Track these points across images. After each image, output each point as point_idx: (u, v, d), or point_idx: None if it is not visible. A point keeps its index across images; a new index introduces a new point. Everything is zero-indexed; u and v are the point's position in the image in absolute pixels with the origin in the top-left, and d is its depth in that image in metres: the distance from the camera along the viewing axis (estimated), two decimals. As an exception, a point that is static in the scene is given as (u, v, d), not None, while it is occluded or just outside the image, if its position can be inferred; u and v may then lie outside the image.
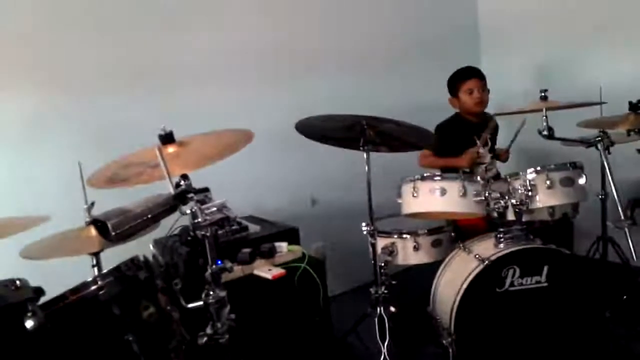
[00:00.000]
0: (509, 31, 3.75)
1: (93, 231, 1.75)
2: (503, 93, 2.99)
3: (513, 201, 2.24)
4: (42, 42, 2.47)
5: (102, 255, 1.89)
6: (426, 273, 2.45)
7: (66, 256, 1.64)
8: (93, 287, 1.24)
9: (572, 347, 2.12)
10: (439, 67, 3.52)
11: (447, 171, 2.57)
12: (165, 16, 2.77)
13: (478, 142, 2.91)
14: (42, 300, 1.33)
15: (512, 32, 3.73)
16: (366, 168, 2.29)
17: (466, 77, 2.88)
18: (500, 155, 2.88)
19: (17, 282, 1.20)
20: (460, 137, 2.89)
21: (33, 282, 1.67)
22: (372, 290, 2.33)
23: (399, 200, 2.41)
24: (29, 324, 1.09)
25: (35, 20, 2.46)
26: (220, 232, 1.45)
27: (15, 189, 2.42)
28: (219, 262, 1.63)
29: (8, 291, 1.17)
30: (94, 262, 1.82)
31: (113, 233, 1.23)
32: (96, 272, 1.79)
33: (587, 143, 2.31)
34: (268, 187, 3.10)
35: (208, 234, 1.44)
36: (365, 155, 2.30)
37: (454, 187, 2.24)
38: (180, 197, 1.38)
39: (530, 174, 2.24)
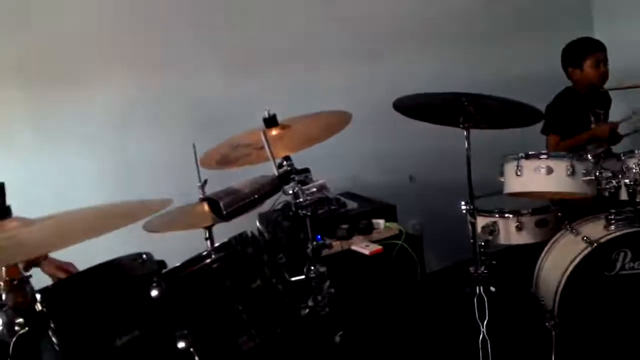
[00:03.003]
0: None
1: (206, 207, 1.89)
2: (619, 65, 2.76)
3: (626, 181, 2.10)
4: (153, 26, 2.66)
5: (214, 228, 2.05)
6: (529, 253, 2.38)
7: (184, 229, 1.80)
8: (207, 261, 1.36)
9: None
10: (547, 36, 3.36)
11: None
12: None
13: (592, 118, 2.76)
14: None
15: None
16: (466, 145, 2.25)
17: (595, 49, 2.72)
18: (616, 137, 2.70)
19: (144, 256, 1.36)
20: (574, 113, 2.75)
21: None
22: (472, 269, 2.31)
23: (501, 179, 2.35)
24: (154, 293, 1.23)
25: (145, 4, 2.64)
26: (320, 211, 1.52)
27: (130, 169, 2.66)
28: (319, 237, 1.71)
29: (136, 264, 1.33)
30: (207, 235, 1.98)
31: (224, 212, 1.34)
32: (209, 245, 1.94)
33: None
34: (366, 163, 3.14)
35: (309, 213, 1.51)
36: (465, 132, 2.26)
37: (561, 165, 2.14)
38: (283, 178, 1.47)
39: (648, 152, 2.08)
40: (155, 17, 2.65)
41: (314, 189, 1.52)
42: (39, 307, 1.02)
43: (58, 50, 2.47)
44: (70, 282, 1.29)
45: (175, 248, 1.68)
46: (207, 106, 2.77)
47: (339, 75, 3.03)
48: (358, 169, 3.11)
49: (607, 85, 2.76)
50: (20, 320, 1.00)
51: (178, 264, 1.37)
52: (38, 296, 1.02)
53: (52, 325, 1.04)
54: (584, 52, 2.72)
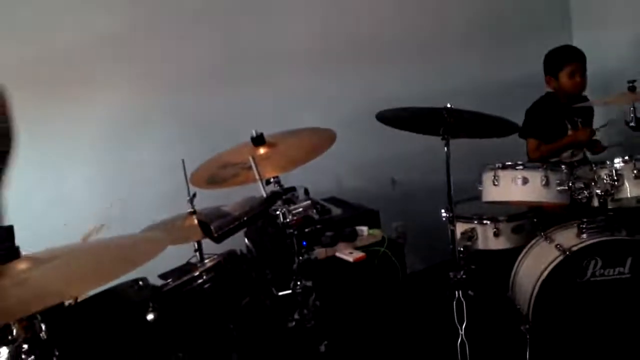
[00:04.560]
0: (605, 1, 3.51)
1: (195, 221, 1.95)
2: (600, 72, 2.82)
3: (598, 191, 2.20)
4: (140, 40, 2.69)
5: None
6: (506, 258, 2.48)
7: (178, 244, 1.84)
8: (199, 281, 1.43)
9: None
10: (527, 43, 3.44)
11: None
12: (249, 10, 2.91)
13: (569, 126, 2.86)
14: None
15: (609, 2, 3.48)
16: (445, 155, 2.33)
17: (571, 59, 2.76)
18: (595, 146, 2.81)
19: (140, 282, 1.42)
20: (551, 119, 2.83)
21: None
22: (451, 274, 2.40)
23: (480, 187, 2.44)
24: (150, 317, 1.30)
25: (132, 19, 2.67)
26: (306, 229, 1.59)
27: (120, 184, 2.70)
28: (304, 243, 1.78)
29: (133, 290, 1.40)
30: (196, 246, 2.04)
31: (215, 235, 1.40)
32: (198, 256, 2.00)
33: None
34: (350, 168, 3.21)
35: (295, 232, 1.59)
36: (444, 143, 2.33)
37: (536, 176, 2.23)
38: (271, 201, 1.53)
39: (618, 164, 2.18)
40: (145, 31, 2.69)
41: (300, 209, 1.59)
42: (43, 336, 1.08)
43: (52, 60, 2.51)
44: (73, 310, 1.35)
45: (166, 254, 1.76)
46: (197, 115, 2.83)
47: (324, 83, 3.09)
48: (342, 174, 3.18)
49: (588, 95, 2.84)
50: (25, 346, 1.06)
51: (171, 285, 1.43)
52: (43, 326, 1.08)
53: (56, 353, 1.10)
54: (560, 61, 2.78)
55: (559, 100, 2.85)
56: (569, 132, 2.85)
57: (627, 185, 2.17)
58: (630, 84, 2.12)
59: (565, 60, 2.77)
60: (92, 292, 1.33)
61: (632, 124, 2.09)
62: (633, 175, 2.14)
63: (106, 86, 2.63)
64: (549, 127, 2.82)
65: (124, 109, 2.68)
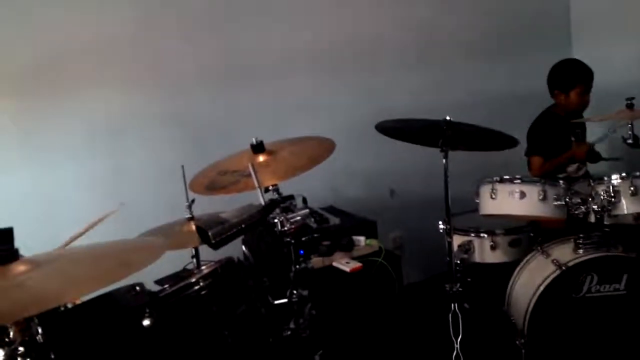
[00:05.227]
0: (604, 16, 3.52)
1: (193, 227, 1.95)
2: (596, 86, 2.84)
3: (595, 207, 2.21)
4: (140, 41, 2.69)
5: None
6: (503, 271, 2.48)
7: (176, 249, 1.84)
8: (196, 288, 1.44)
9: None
10: (526, 57, 3.47)
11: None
12: (249, 16, 2.92)
13: (573, 139, 2.87)
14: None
15: (608, 17, 3.49)
16: (444, 167, 2.34)
17: (584, 79, 2.77)
18: (595, 157, 2.83)
19: (137, 287, 1.42)
20: (555, 135, 2.84)
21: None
22: (447, 287, 2.41)
23: (477, 200, 2.45)
24: (146, 322, 1.30)
25: (133, 22, 2.68)
26: (303, 238, 1.60)
27: (115, 187, 2.70)
28: (301, 252, 1.78)
29: (129, 295, 1.40)
30: (193, 252, 2.04)
31: (213, 241, 1.41)
32: (195, 263, 2.00)
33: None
34: (349, 177, 3.22)
35: (293, 241, 1.59)
36: (443, 154, 2.34)
37: (533, 190, 2.24)
38: (269, 209, 1.54)
39: (615, 180, 2.19)
40: (145, 33, 2.70)
41: (298, 217, 1.60)
42: (40, 339, 1.08)
43: (51, 59, 2.52)
44: (70, 314, 1.35)
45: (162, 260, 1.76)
46: (195, 119, 2.84)
47: (324, 91, 3.11)
48: (341, 184, 3.18)
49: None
50: (22, 349, 1.06)
51: (167, 291, 1.43)
52: (39, 329, 1.08)
53: (52, 356, 1.10)
54: (574, 79, 2.78)
55: (560, 116, 2.86)
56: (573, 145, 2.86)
57: (624, 202, 2.18)
58: (629, 101, 2.13)
59: (579, 79, 2.77)
60: (89, 296, 1.34)
61: (629, 141, 2.11)
62: (630, 192, 2.16)
63: (104, 87, 2.64)
64: (554, 142, 2.82)
65: (121, 110, 2.68)
